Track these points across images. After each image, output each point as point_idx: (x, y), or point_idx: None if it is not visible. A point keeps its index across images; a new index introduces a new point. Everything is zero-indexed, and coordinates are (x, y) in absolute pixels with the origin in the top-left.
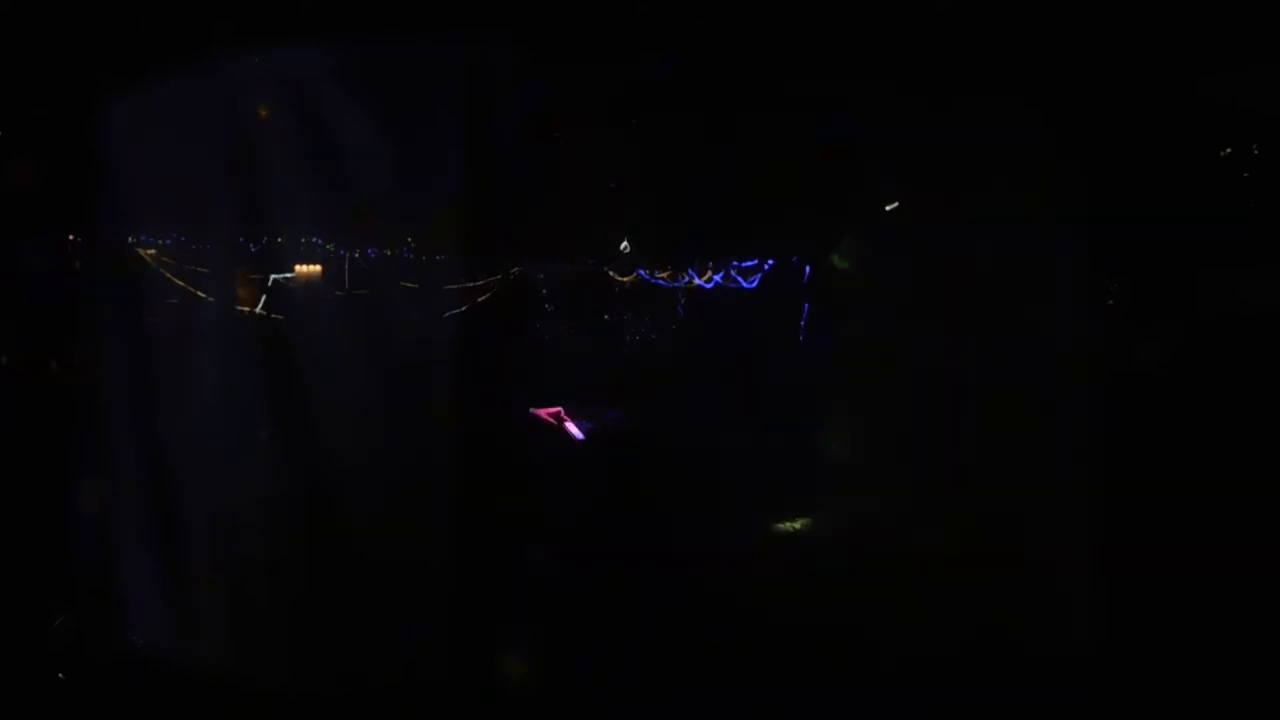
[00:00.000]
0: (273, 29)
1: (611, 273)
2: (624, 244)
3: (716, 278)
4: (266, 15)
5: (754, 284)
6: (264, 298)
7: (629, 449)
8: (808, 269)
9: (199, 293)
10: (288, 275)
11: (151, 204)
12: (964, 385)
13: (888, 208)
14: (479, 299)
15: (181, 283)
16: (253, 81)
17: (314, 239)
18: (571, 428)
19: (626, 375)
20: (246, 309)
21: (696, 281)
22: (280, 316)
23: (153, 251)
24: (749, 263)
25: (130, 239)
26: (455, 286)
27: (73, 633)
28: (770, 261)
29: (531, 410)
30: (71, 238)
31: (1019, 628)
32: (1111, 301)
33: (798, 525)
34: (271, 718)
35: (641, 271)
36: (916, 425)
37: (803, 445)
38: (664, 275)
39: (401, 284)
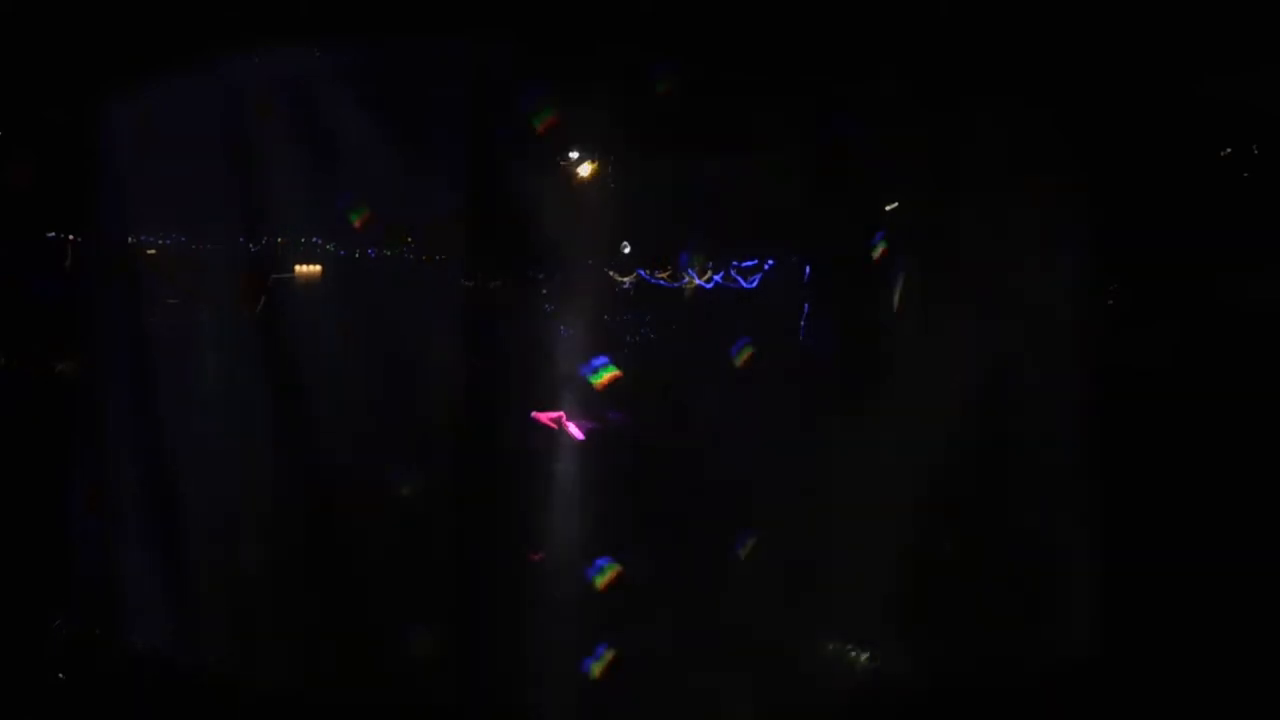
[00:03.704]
0: (273, 29)
1: (611, 273)
2: (624, 245)
3: (716, 278)
4: (266, 15)
5: (754, 284)
6: (263, 298)
7: (629, 449)
8: (808, 269)
9: (199, 293)
10: (287, 275)
11: (151, 204)
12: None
13: (888, 208)
14: (479, 300)
15: (181, 283)
16: (253, 81)
17: (314, 239)
18: (572, 428)
19: (627, 375)
20: (246, 309)
21: (697, 281)
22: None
23: (153, 251)
24: (749, 262)
25: (130, 239)
26: (455, 287)
27: (72, 635)
28: (770, 261)
29: (532, 414)
30: (71, 238)
31: (1020, 628)
32: (1111, 302)
33: (799, 526)
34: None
35: (641, 271)
36: (917, 425)
37: (803, 445)
38: (664, 275)
39: (401, 285)
